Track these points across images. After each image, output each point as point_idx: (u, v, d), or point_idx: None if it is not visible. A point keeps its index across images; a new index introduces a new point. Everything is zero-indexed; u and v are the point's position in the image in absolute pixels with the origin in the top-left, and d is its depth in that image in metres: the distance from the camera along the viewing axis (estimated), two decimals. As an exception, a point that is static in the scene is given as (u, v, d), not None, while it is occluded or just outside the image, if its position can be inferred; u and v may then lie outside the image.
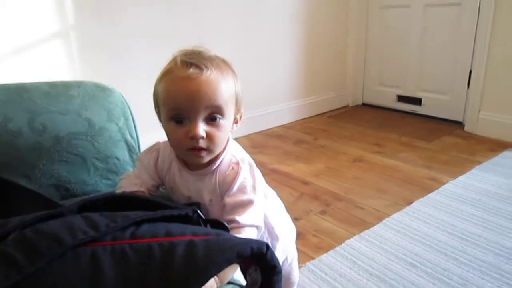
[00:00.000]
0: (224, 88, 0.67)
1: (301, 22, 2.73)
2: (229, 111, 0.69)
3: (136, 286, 0.39)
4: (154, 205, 0.50)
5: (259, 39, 2.54)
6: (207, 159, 0.70)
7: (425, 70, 2.74)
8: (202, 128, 0.66)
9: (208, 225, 0.50)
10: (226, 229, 0.50)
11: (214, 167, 0.72)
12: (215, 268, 0.38)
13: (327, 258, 1.32)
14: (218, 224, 0.51)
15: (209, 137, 0.67)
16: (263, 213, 0.74)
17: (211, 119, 0.67)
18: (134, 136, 0.90)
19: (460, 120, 2.60)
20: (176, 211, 0.49)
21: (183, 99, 0.65)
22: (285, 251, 0.89)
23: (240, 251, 0.39)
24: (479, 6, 2.34)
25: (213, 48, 0.73)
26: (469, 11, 2.41)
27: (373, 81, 3.11)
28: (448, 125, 2.61)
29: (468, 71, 2.47)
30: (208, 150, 0.68)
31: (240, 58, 2.43)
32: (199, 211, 0.50)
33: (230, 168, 0.72)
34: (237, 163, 0.72)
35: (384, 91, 3.05)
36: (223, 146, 0.72)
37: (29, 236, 0.44)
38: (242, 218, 0.68)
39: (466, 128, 2.51)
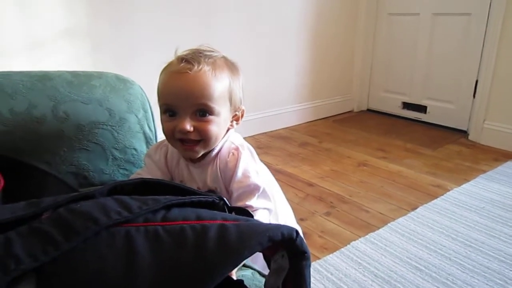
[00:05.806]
0: (215, 86, 0.68)
1: (310, 27, 2.75)
2: (221, 108, 0.70)
3: (171, 266, 0.40)
4: (182, 191, 0.51)
5: (269, 42, 2.57)
6: (201, 152, 0.72)
7: (431, 78, 2.76)
8: (189, 123, 0.67)
9: (233, 212, 0.52)
10: (251, 216, 0.51)
11: (213, 154, 0.74)
12: (248, 251, 0.39)
13: (332, 258, 1.34)
14: (243, 212, 0.52)
15: (199, 130, 0.68)
16: (270, 196, 0.75)
17: (200, 115, 0.68)
18: (152, 128, 0.91)
19: (465, 129, 2.62)
20: (203, 197, 0.50)
21: (172, 96, 0.68)
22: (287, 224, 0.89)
23: (271, 235, 0.40)
24: (488, 16, 2.36)
25: (221, 50, 0.74)
26: (478, 21, 2.43)
27: (379, 87, 3.13)
28: (453, 134, 2.63)
29: (475, 80, 2.50)
30: (202, 143, 0.70)
31: (248, 60, 2.45)
32: (225, 199, 0.52)
33: (231, 154, 0.73)
34: (237, 149, 0.74)
35: (389, 98, 3.07)
36: (219, 138, 0.72)
37: (64, 215, 0.45)
38: (253, 202, 0.70)
39: (470, 137, 2.52)
